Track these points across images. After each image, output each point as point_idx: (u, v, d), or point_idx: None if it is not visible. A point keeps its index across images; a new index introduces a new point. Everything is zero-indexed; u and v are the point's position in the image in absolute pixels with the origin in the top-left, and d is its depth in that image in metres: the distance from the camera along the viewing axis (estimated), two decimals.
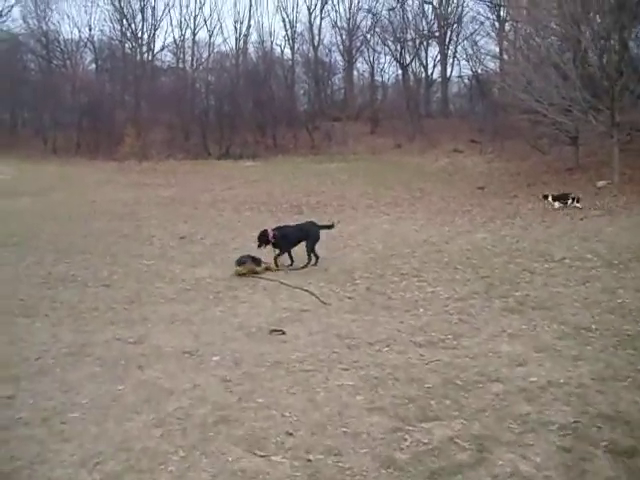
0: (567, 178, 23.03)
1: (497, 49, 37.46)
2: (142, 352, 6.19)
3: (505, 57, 33.98)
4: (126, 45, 48.98)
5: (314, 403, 4.94)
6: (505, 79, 26.76)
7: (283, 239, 11.02)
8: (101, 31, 49.36)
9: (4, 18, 49.23)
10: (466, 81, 44.76)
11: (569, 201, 17.07)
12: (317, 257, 11.20)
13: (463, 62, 43.79)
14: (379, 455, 4.11)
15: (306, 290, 8.98)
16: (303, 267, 10.91)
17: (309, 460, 4.05)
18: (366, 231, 15.05)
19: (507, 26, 37.07)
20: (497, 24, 39.11)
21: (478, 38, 41.08)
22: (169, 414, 4.74)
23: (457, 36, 45.00)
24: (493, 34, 39.26)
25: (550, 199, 17.41)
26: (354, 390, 5.18)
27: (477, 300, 8.20)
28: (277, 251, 10.96)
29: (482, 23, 40.42)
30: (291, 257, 11.18)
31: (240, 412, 4.78)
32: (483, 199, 20.55)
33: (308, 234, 11.27)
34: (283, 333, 6.81)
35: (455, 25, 44.46)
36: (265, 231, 11.14)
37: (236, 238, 14.12)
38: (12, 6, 49.26)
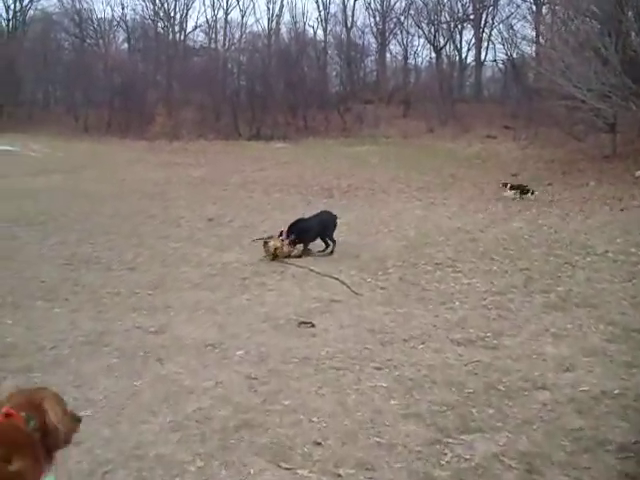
0: (604, 166, 22.40)
1: (533, 33, 36.68)
2: (162, 343, 5.84)
3: (542, 41, 33.28)
4: (158, 24, 49.05)
5: (344, 407, 4.56)
6: (542, 64, 26.03)
7: (302, 234, 10.59)
8: (134, 10, 49.73)
9: None
10: (501, 65, 43.89)
11: (526, 193, 17.36)
12: (334, 242, 10.84)
13: (498, 46, 42.77)
14: (416, 471, 3.72)
15: (336, 278, 8.59)
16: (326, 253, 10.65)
17: (339, 475, 3.67)
18: (398, 216, 14.67)
19: (544, 9, 36.30)
20: (534, 7, 38.24)
21: (514, 22, 40.07)
22: (188, 416, 4.38)
23: (492, 19, 44.13)
24: (530, 17, 38.42)
25: (508, 188, 17.59)
26: (388, 393, 4.80)
27: (516, 294, 7.76)
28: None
29: (518, 6, 39.51)
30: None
31: (264, 416, 4.41)
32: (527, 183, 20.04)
33: (326, 224, 10.93)
34: (313, 326, 6.43)
35: (491, 8, 43.59)
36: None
37: (265, 221, 13.80)
38: None
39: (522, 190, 17.40)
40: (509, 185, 17.78)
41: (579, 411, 4.43)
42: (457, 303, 7.44)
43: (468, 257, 10.10)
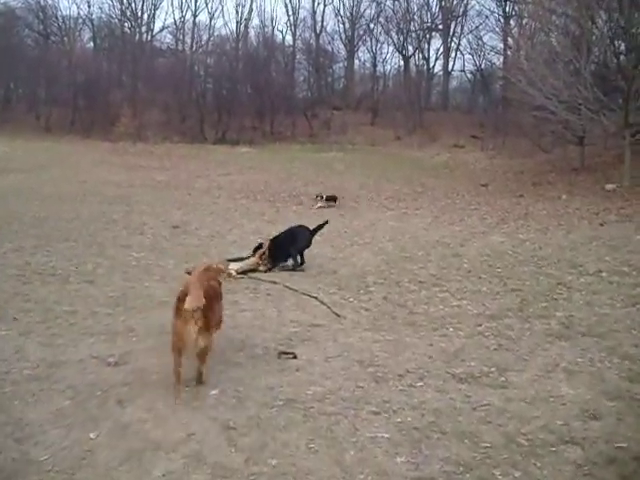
0: (574, 179, 22.22)
1: (501, 44, 36.76)
2: (124, 379, 5.02)
3: (510, 52, 33.36)
4: (125, 24, 48.27)
5: (342, 467, 3.81)
6: (513, 74, 25.85)
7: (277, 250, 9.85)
8: (100, 9, 48.77)
9: None
10: (469, 75, 43.89)
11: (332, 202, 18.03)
12: (303, 261, 10.06)
13: (467, 56, 42.90)
14: None
15: (315, 297, 7.87)
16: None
17: None
18: (372, 227, 14.13)
19: (512, 22, 36.42)
20: (502, 19, 38.35)
21: (482, 33, 40.13)
22: None
23: (461, 29, 44.13)
24: (498, 29, 38.52)
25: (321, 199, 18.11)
26: (392, 447, 4.07)
27: (513, 319, 7.13)
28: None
29: (487, 17, 39.61)
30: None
31: None
32: (489, 197, 19.75)
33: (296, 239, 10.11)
34: (295, 357, 5.66)
35: (459, 18, 43.57)
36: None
37: (233, 229, 13.13)
38: None
39: (331, 199, 18.10)
40: (323, 196, 18.18)
41: (623, 476, 3.74)
42: (450, 329, 6.78)
43: (453, 275, 9.49)
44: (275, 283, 8.62)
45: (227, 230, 12.93)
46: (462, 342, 6.34)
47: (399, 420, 4.47)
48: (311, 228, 10.32)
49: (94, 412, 4.46)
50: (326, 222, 10.71)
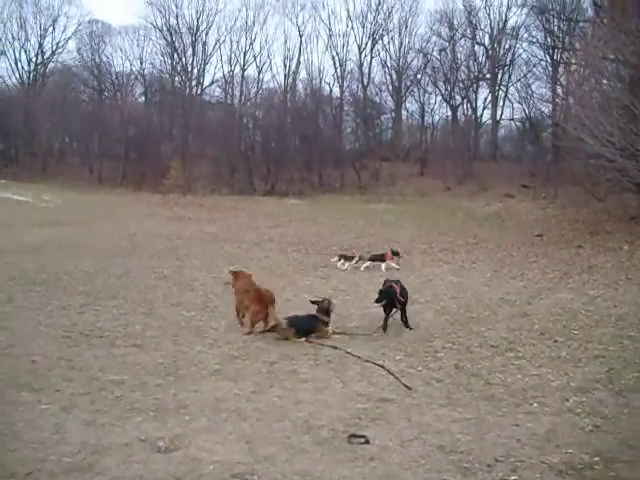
0: (633, 228, 21.27)
1: (550, 92, 36.08)
2: (175, 471, 4.37)
3: (558, 100, 32.72)
4: (176, 79, 49.12)
5: None
6: (566, 122, 25.16)
7: None
8: (152, 64, 49.43)
9: (60, 50, 50.18)
10: (517, 124, 43.20)
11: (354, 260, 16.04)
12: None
13: (515, 104, 42.21)
14: None
15: (381, 366, 7.20)
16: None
17: None
18: (430, 283, 13.55)
19: (561, 69, 35.80)
20: (550, 67, 37.75)
21: (531, 81, 39.46)
22: None
23: (509, 78, 43.64)
24: (546, 77, 37.91)
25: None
26: None
27: (603, 393, 6.36)
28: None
29: (534, 65, 38.94)
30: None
31: None
32: (546, 249, 19.05)
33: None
34: (367, 442, 4.99)
35: (507, 67, 43.14)
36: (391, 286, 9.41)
37: (287, 287, 12.52)
38: (68, 39, 50.67)
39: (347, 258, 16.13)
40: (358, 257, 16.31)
41: None
42: (535, 405, 6.04)
43: (526, 338, 8.77)
44: (336, 348, 7.97)
45: (281, 287, 12.28)
46: (551, 421, 5.60)
47: None
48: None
49: None
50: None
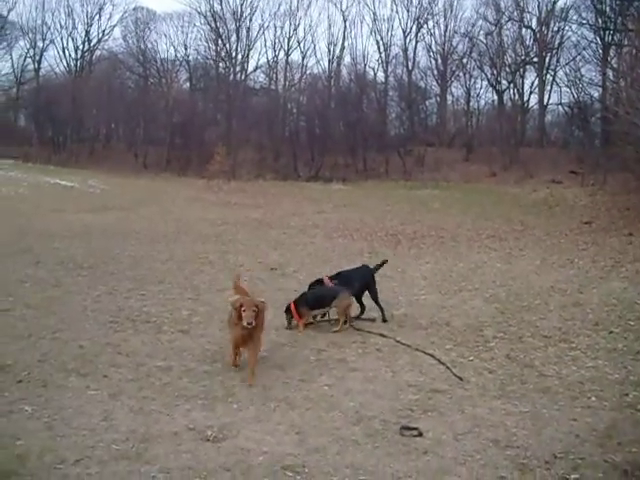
0: None
1: (600, 75, 34.86)
2: (224, 462, 4.28)
3: (609, 84, 31.67)
4: (220, 65, 49.16)
5: None
6: (619, 106, 24.29)
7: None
8: (196, 51, 49.62)
9: (106, 37, 50.86)
10: (565, 109, 41.98)
11: None
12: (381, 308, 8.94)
13: (564, 89, 40.93)
14: None
15: (432, 355, 7.01)
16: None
17: None
18: (478, 270, 13.17)
19: (612, 51, 34.60)
20: (601, 49, 36.43)
21: (580, 64, 38.11)
22: None
23: (557, 61, 42.38)
24: (596, 60, 36.58)
25: None
26: None
27: None
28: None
29: (584, 48, 37.60)
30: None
31: None
32: (595, 236, 18.42)
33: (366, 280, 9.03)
34: (420, 434, 4.83)
35: (555, 50, 41.94)
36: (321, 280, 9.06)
37: (333, 271, 12.31)
38: (114, 26, 51.53)
39: None
40: None
41: None
42: (593, 399, 5.79)
43: (579, 328, 8.47)
44: (384, 336, 7.80)
45: (327, 272, 12.21)
46: (611, 417, 5.36)
47: None
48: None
49: None
50: (385, 261, 9.81)
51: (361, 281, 8.97)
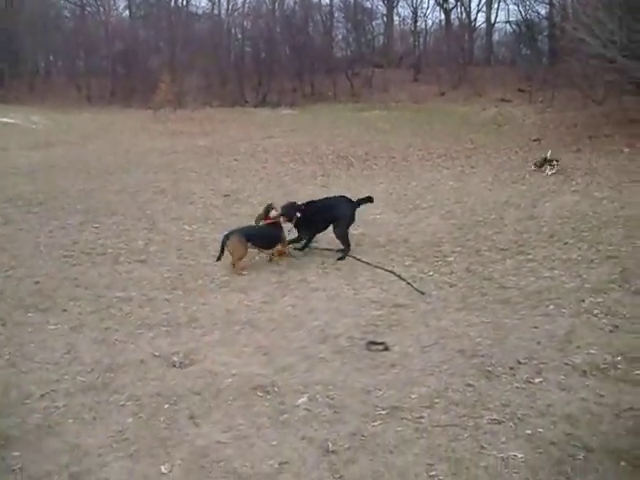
0: (632, 131, 20.61)
1: None
2: (193, 386, 4.30)
3: (556, 1, 31.51)
4: None
5: None
6: (566, 22, 24.20)
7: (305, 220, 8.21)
8: None
9: None
10: (513, 27, 41.78)
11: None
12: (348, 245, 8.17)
13: (511, 6, 40.71)
14: None
15: (392, 272, 7.07)
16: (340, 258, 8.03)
17: None
18: (432, 189, 13.20)
19: None
20: None
21: None
22: None
23: None
24: None
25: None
26: (531, 474, 3.26)
27: (619, 293, 6.22)
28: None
29: None
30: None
31: None
32: (545, 153, 18.56)
33: (337, 214, 8.26)
34: (386, 348, 4.89)
35: None
36: (294, 203, 8.51)
37: (287, 196, 12.20)
38: None
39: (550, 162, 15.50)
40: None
41: None
42: (551, 307, 5.93)
43: (535, 240, 8.58)
44: (343, 254, 7.82)
45: (280, 196, 11.96)
46: (570, 323, 5.50)
47: (529, 432, 3.67)
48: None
49: (163, 434, 3.74)
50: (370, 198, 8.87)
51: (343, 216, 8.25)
